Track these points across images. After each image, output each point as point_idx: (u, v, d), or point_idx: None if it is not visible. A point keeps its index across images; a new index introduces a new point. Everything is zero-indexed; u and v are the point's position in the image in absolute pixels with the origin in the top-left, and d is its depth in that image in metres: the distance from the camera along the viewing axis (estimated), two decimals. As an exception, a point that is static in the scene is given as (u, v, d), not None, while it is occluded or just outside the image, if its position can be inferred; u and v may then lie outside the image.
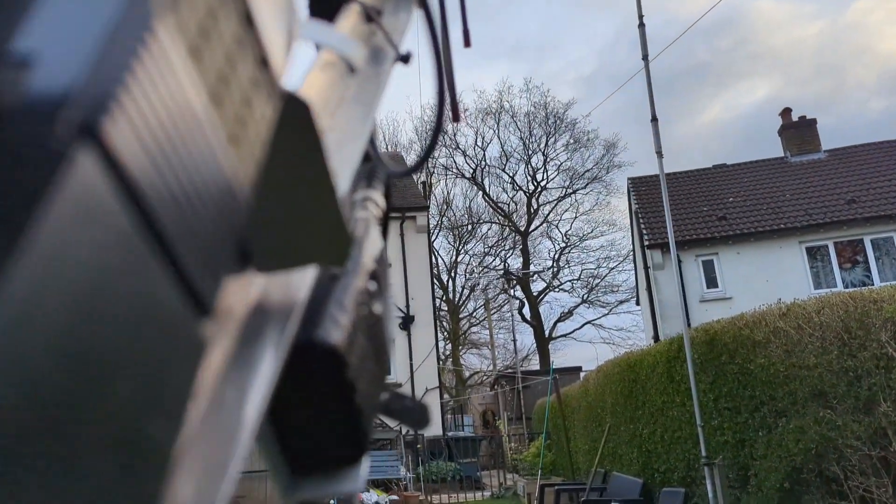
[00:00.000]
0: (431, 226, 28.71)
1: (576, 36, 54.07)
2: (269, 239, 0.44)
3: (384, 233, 0.81)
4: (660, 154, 6.93)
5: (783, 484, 5.37)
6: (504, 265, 35.26)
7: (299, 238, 0.46)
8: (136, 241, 0.29)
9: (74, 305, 0.26)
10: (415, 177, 27.62)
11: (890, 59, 48.56)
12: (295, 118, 0.42)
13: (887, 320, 4.68)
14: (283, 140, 0.42)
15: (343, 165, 0.62)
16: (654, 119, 7.02)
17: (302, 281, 0.51)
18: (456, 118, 0.88)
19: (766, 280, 17.63)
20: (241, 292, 0.44)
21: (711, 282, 18.83)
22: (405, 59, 0.78)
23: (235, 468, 0.38)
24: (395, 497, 13.32)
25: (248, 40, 0.39)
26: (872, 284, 16.69)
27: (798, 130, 22.22)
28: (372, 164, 0.74)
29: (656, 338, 17.70)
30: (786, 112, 22.76)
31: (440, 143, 35.15)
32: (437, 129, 0.82)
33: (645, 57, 7.28)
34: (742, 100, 52.10)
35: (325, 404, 0.53)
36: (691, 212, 20.08)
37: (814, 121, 22.30)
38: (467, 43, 0.99)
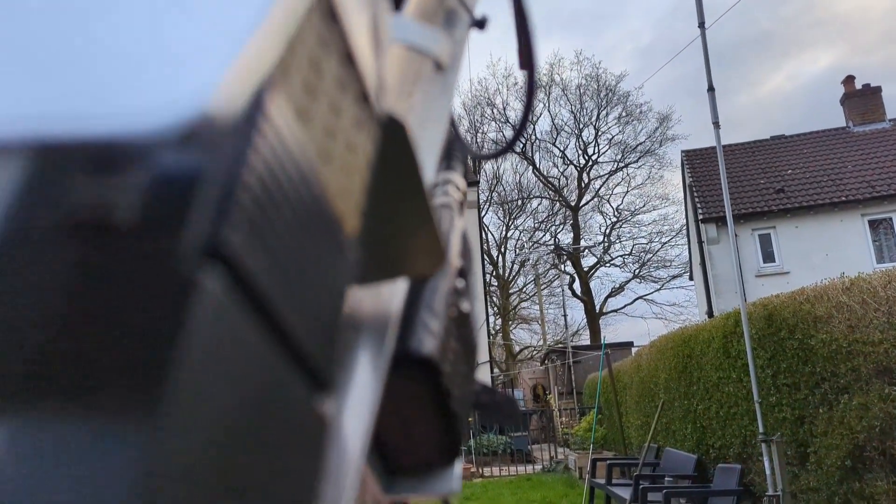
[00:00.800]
0: (481, 201, 28.62)
1: (633, 6, 52.89)
2: (364, 253, 0.42)
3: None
4: (716, 124, 6.76)
5: (845, 462, 5.26)
6: (554, 240, 35.07)
7: (394, 252, 0.44)
8: (269, 353, 0.27)
9: (222, 439, 0.23)
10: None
11: (963, 22, 46.47)
12: (392, 141, 0.40)
13: (959, 295, 4.51)
14: (381, 165, 0.40)
15: (427, 149, 0.58)
16: (711, 88, 6.84)
17: (395, 290, 0.50)
18: (524, 66, 0.83)
19: (825, 254, 17.14)
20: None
21: (768, 256, 18.40)
22: (481, 24, 0.74)
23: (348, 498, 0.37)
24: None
25: (350, 80, 0.35)
26: (940, 258, 16.09)
27: (862, 99, 21.41)
28: (450, 142, 0.69)
29: (710, 313, 17.41)
30: (849, 80, 21.93)
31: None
32: (529, 104, 0.78)
33: (701, 24, 7.09)
34: (805, 69, 50.63)
35: (421, 412, 0.52)
36: (748, 184, 19.59)
37: (878, 89, 21.45)
38: None
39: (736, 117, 47.38)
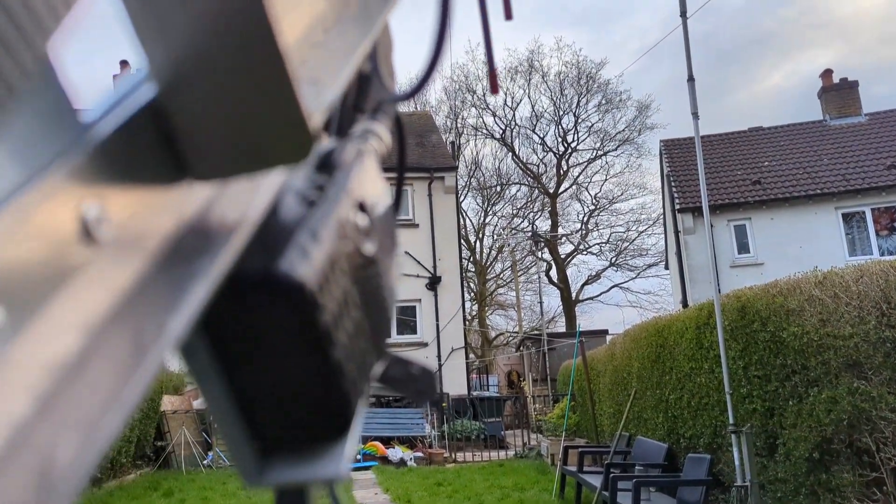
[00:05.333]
0: (460, 186, 28.55)
1: (642, 4, 53.37)
2: (207, 137, 0.35)
3: (400, 179, 0.70)
4: (695, 115, 6.74)
5: (812, 454, 5.30)
6: (532, 227, 35.09)
7: (246, 133, 0.36)
8: None
9: None
10: (444, 137, 27.40)
11: (956, 28, 48.44)
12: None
13: (929, 291, 4.54)
14: (217, 12, 0.32)
15: (334, 78, 0.53)
16: (691, 79, 6.82)
17: (257, 194, 0.41)
18: (494, 90, 0.79)
19: (799, 246, 17.33)
20: (170, 207, 0.35)
21: (743, 247, 18.56)
22: None
23: (119, 417, 0.29)
24: (419, 454, 13.51)
25: None
26: (910, 252, 16.33)
27: (839, 93, 21.56)
28: (378, 98, 0.63)
29: (685, 302, 17.55)
30: (826, 74, 22.07)
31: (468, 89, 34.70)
32: (438, 50, 0.71)
33: (683, 14, 7.05)
34: (803, 68, 52.06)
35: (294, 358, 0.42)
36: (725, 175, 19.71)
37: (855, 83, 21.61)
38: (508, 16, 0.86)
39: (733, 112, 48.93)
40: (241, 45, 0.34)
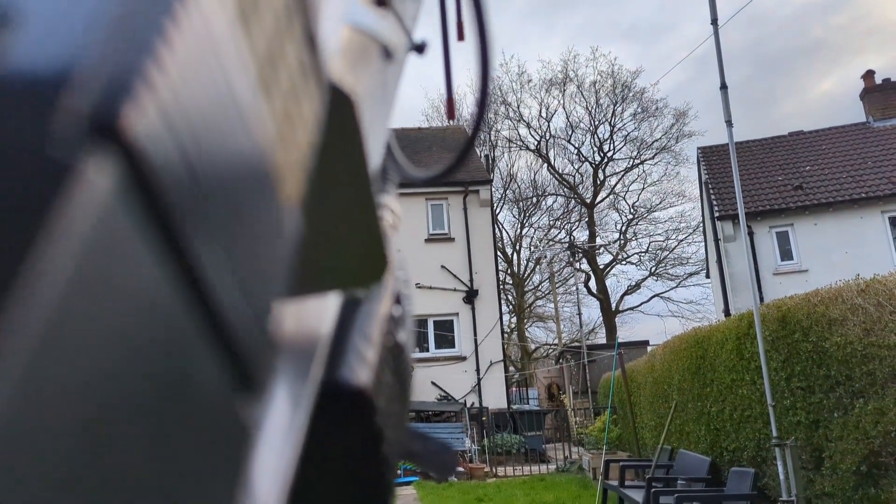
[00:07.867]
0: (495, 199, 28.56)
1: (692, 16, 52.77)
2: (298, 258, 0.35)
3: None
4: (729, 123, 6.65)
5: (860, 467, 5.16)
6: (569, 238, 34.90)
7: (332, 256, 0.37)
8: (170, 292, 0.19)
9: (91, 423, 0.16)
10: (478, 150, 27.45)
11: None
12: (337, 115, 0.33)
13: (977, 298, 4.40)
14: (325, 141, 0.33)
15: (370, 144, 0.55)
16: (724, 87, 6.74)
17: (325, 309, 0.42)
18: (451, 116, 0.81)
19: (845, 252, 16.91)
20: None
21: (786, 254, 18.18)
22: (419, 48, 0.70)
23: None
24: (460, 468, 13.47)
25: (297, 8, 0.30)
26: (962, 256, 15.81)
27: (882, 94, 21.05)
28: (384, 166, 0.64)
29: (727, 311, 17.23)
30: (868, 75, 21.59)
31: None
32: (472, 139, 0.73)
33: (714, 21, 6.98)
34: (853, 74, 51.10)
35: (348, 457, 0.44)
36: (765, 181, 19.36)
37: (899, 83, 21.07)
38: (461, 36, 0.86)
39: (782, 121, 48.35)
40: (338, 183, 0.34)
